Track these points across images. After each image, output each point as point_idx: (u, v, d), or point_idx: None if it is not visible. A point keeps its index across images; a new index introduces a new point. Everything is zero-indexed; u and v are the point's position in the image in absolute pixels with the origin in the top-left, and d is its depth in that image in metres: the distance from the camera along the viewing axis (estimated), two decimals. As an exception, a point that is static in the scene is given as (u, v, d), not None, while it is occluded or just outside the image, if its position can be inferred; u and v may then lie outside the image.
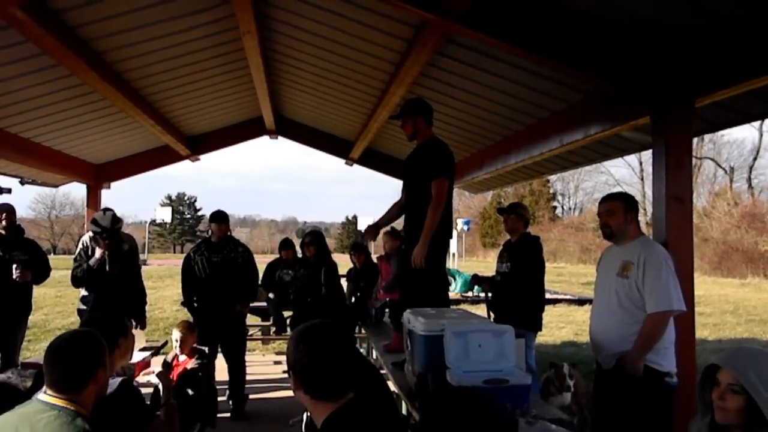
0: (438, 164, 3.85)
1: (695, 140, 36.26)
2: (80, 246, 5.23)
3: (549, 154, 5.56)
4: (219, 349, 5.68)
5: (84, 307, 5.10)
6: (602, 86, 3.98)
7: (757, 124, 35.29)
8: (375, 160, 9.31)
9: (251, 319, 7.79)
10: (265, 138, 9.09)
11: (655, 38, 3.48)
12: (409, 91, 5.38)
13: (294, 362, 1.79)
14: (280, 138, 9.09)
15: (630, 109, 3.93)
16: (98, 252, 4.98)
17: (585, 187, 51.15)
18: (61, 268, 11.38)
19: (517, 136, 6.02)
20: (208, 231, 5.73)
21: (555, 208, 52.00)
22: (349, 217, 67.60)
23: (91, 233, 5.10)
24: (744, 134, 61.39)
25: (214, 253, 5.51)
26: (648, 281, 3.03)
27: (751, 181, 37.24)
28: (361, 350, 7.37)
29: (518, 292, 4.80)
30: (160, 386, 2.92)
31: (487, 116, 5.91)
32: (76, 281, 5.11)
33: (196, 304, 5.56)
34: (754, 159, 37.17)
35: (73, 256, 5.30)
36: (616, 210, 3.27)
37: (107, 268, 4.97)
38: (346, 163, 9.56)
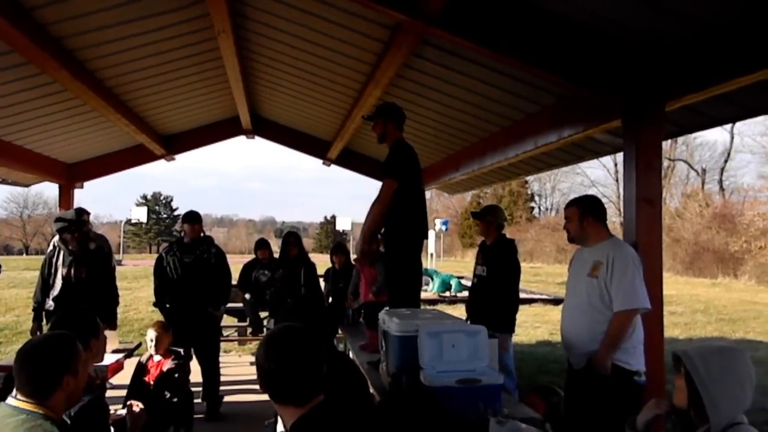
0: (389, 165, 3.88)
1: (668, 142, 36.98)
2: (49, 249, 5.13)
3: (524, 156, 5.62)
4: (192, 351, 5.63)
5: (51, 306, 5.00)
6: (575, 89, 4.03)
7: (728, 126, 36.08)
8: (352, 160, 9.31)
9: (227, 320, 7.74)
10: (242, 138, 9.05)
11: (627, 43, 3.54)
12: (385, 92, 5.40)
13: (257, 366, 1.80)
14: (257, 138, 9.05)
15: (602, 112, 3.99)
16: (58, 283, 4.92)
17: (561, 187, 51.81)
18: (33, 268, 11.19)
19: (493, 138, 6.07)
20: (182, 231, 5.67)
21: (532, 208, 52.55)
22: (328, 217, 67.57)
23: (57, 237, 5.01)
24: (716, 137, 62.82)
25: (186, 253, 5.47)
26: (614, 280, 3.10)
27: (722, 183, 38.05)
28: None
29: (495, 295, 4.86)
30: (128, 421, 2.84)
31: (463, 117, 5.95)
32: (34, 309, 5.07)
33: (168, 306, 5.50)
34: (726, 161, 37.99)
35: (41, 263, 5.19)
36: (572, 216, 3.40)
37: (73, 272, 4.89)
38: (324, 164, 9.54)
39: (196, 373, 5.54)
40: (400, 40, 4.23)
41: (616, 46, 3.57)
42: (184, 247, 5.52)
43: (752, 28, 2.83)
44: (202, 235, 5.64)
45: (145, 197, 66.63)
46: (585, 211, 3.36)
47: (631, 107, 3.61)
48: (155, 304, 5.67)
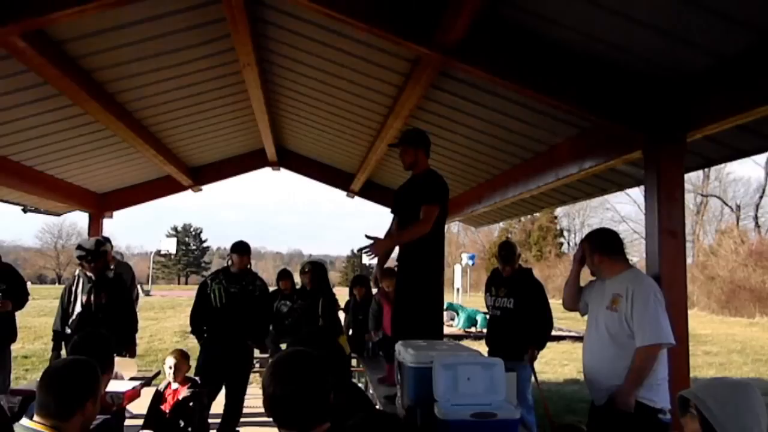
0: (431, 191, 3.85)
1: (701, 177, 36.27)
2: (72, 277, 5.20)
3: (546, 188, 5.57)
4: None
5: (69, 331, 5.03)
6: (597, 121, 4.01)
7: (762, 162, 35.42)
8: (375, 192, 9.35)
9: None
10: (268, 169, 9.18)
11: (647, 74, 3.52)
12: (406, 124, 5.44)
13: (263, 389, 1.78)
14: (282, 169, 9.18)
15: (623, 144, 3.95)
16: (77, 310, 4.97)
17: (591, 223, 50.95)
18: (63, 297, 11.48)
19: (515, 170, 6.04)
20: (229, 261, 5.67)
21: (561, 244, 51.88)
22: (354, 251, 67.70)
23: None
24: (750, 173, 61.56)
25: (232, 283, 5.40)
26: (636, 314, 3.00)
27: (757, 219, 37.14)
28: (360, 384, 7.27)
29: (527, 323, 4.88)
30: None
31: (483, 150, 5.95)
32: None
33: (206, 334, 5.44)
34: (761, 197, 37.13)
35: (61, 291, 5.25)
36: (585, 253, 3.38)
37: (93, 298, 4.95)
38: (348, 195, 9.61)
39: (218, 404, 5.49)
40: (419, 72, 4.28)
41: (635, 77, 3.55)
42: (231, 277, 5.45)
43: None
44: (248, 267, 5.63)
45: (175, 229, 67.77)
46: (593, 248, 3.34)
47: (651, 138, 3.57)
48: (192, 331, 5.65)
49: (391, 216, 4.33)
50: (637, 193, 38.35)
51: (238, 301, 5.35)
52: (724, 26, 2.84)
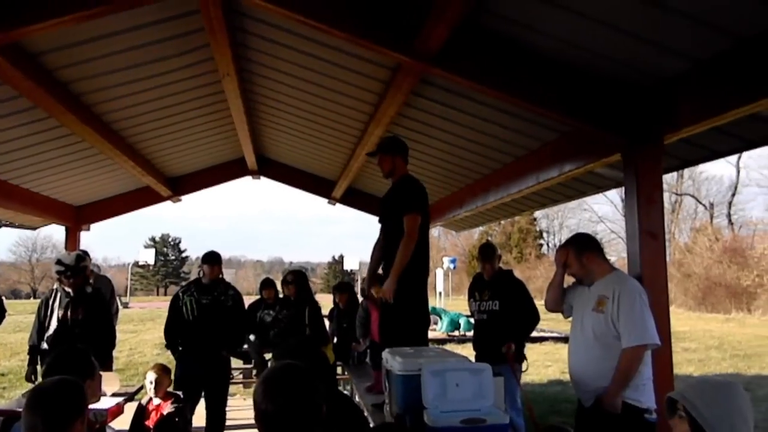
0: (410, 199, 3.86)
1: (675, 177, 36.88)
2: (50, 290, 5.09)
3: (527, 191, 5.62)
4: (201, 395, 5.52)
5: (46, 347, 4.94)
6: (576, 125, 4.06)
7: (734, 160, 36.20)
8: (357, 199, 9.36)
9: (232, 362, 7.61)
10: (248, 178, 9.12)
11: (624, 78, 3.57)
12: (387, 131, 5.45)
13: (254, 406, 1.77)
14: (262, 178, 9.13)
15: (602, 147, 4.00)
16: (53, 325, 4.88)
17: (569, 224, 51.57)
18: (39, 312, 11.21)
19: (496, 175, 6.09)
20: (200, 272, 5.60)
21: (541, 245, 52.34)
22: (336, 257, 67.49)
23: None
24: (722, 171, 62.77)
25: (204, 294, 5.35)
26: (623, 315, 3.04)
27: (730, 217, 37.92)
28: (345, 392, 7.24)
29: (514, 325, 4.87)
30: None
31: (465, 155, 5.99)
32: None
33: (180, 347, 5.38)
34: (733, 195, 37.95)
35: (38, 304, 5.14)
36: (569, 259, 3.37)
37: (70, 314, 4.85)
38: (329, 203, 9.59)
39: (200, 417, 5.44)
40: (400, 79, 4.29)
41: (613, 82, 3.61)
42: (202, 288, 5.40)
43: (745, 63, 2.86)
44: (220, 276, 5.57)
45: (153, 239, 66.82)
46: (580, 250, 3.34)
47: (629, 141, 3.62)
48: (167, 346, 5.58)
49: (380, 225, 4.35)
50: (613, 193, 38.95)
51: (211, 312, 5.30)
52: (700, 32, 2.90)
